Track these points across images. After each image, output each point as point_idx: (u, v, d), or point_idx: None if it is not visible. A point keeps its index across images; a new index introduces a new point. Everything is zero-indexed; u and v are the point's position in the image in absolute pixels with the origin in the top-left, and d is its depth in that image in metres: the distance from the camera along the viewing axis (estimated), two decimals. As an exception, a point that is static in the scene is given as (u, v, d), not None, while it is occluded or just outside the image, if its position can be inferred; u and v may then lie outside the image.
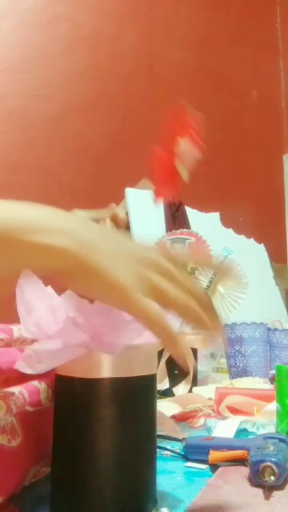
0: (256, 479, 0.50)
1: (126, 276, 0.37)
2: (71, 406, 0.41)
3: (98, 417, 0.40)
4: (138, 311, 0.37)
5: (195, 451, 0.61)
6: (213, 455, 0.58)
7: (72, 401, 0.41)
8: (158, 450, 0.63)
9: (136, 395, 0.42)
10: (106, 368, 0.41)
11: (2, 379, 0.45)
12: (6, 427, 0.43)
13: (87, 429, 0.40)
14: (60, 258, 0.37)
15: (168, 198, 0.67)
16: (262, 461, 0.50)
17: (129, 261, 0.38)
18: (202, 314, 0.39)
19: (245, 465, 0.55)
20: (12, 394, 0.43)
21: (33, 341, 0.44)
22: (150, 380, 0.44)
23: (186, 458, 0.61)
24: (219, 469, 0.56)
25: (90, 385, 0.40)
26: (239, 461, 0.56)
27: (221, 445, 0.59)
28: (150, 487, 0.44)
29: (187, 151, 0.62)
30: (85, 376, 0.41)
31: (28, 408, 0.45)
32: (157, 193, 0.65)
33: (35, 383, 0.48)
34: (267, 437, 0.56)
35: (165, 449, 0.63)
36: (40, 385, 0.48)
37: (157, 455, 0.63)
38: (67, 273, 0.37)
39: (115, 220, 0.63)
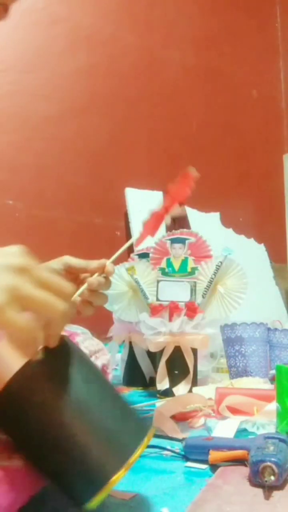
0: (256, 479, 0.50)
1: None
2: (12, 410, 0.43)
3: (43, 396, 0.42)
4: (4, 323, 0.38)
5: (195, 451, 0.60)
6: (213, 455, 0.58)
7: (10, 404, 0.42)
8: (158, 450, 0.63)
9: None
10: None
11: None
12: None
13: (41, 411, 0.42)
14: None
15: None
16: (262, 461, 0.50)
17: None
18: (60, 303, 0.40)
19: (245, 465, 0.55)
20: None
21: None
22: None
23: (186, 458, 0.61)
24: (219, 469, 0.56)
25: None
26: (239, 461, 0.56)
27: (221, 445, 0.59)
28: (126, 421, 0.45)
29: (177, 213, 0.71)
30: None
31: None
32: (140, 239, 0.72)
33: None
34: (267, 437, 0.56)
35: (165, 449, 0.63)
36: None
37: (157, 455, 0.63)
38: None
39: (102, 272, 0.65)
